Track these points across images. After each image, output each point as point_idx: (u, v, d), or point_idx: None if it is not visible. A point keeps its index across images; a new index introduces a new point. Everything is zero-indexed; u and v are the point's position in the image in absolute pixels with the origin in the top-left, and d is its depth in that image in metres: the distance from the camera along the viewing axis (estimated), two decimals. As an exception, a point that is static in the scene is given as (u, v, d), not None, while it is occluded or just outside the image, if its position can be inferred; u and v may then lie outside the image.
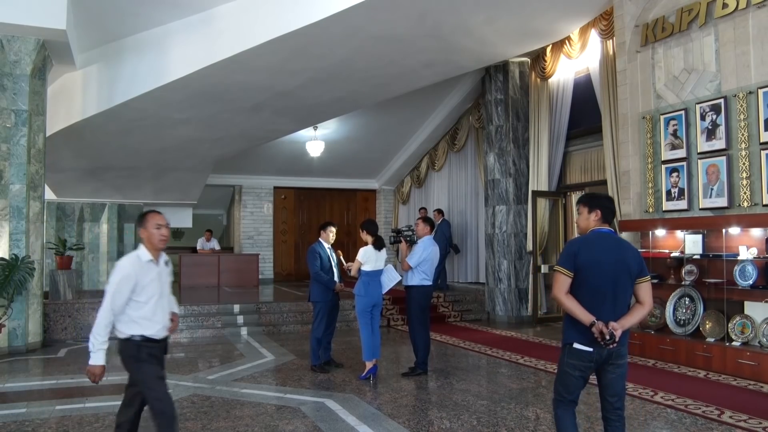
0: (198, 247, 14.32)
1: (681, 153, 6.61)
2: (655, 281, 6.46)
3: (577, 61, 9.07)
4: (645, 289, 3.06)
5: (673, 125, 6.69)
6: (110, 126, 9.69)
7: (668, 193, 6.77)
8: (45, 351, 7.56)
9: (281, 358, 7.05)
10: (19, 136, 7.47)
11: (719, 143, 6.19)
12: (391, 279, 6.11)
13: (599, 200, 3.16)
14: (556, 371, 3.20)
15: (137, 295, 3.15)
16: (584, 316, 2.92)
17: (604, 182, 8.45)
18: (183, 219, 16.46)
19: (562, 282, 3.01)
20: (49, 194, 12.29)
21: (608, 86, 8.19)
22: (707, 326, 6.27)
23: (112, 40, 8.69)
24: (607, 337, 2.85)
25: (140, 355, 3.15)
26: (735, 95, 6.04)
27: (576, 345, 2.99)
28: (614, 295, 2.97)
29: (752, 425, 4.21)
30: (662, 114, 6.82)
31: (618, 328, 2.88)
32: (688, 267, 6.51)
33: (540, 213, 9.89)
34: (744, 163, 5.94)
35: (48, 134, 8.38)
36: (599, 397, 3.12)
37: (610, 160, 8.13)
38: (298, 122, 11.14)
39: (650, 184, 6.96)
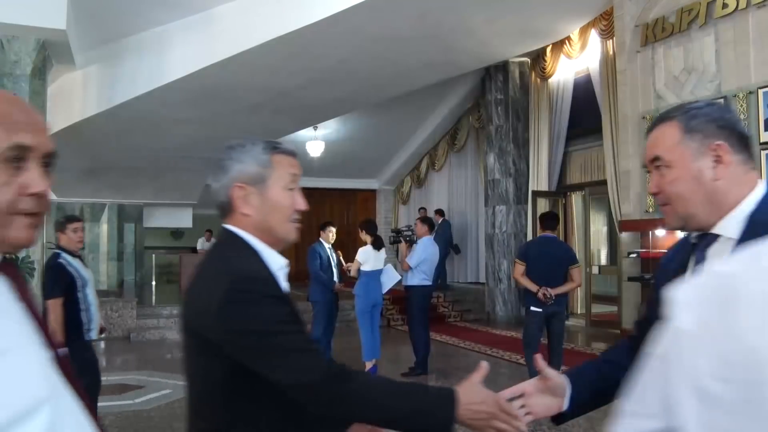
0: (198, 247, 14.33)
1: (681, 153, 6.61)
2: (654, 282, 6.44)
3: (577, 61, 9.06)
4: (574, 271, 5.09)
5: (673, 125, 6.69)
6: (110, 126, 9.69)
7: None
8: (45, 351, 7.55)
9: (281, 358, 7.04)
10: (19, 136, 7.47)
11: (719, 143, 6.19)
12: (390, 279, 6.11)
13: (544, 217, 5.50)
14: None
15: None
16: (533, 287, 4.91)
17: (604, 182, 8.45)
18: (183, 219, 16.45)
19: (519, 268, 5.10)
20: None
21: (608, 86, 8.18)
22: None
23: (112, 40, 8.68)
24: (548, 298, 4.84)
25: None
26: (735, 95, 6.03)
27: (532, 308, 5.03)
28: (551, 275, 4.90)
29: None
30: (662, 114, 6.82)
31: (553, 293, 4.85)
32: (688, 267, 6.50)
33: (540, 213, 9.88)
34: (744, 163, 5.94)
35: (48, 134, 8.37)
36: (547, 340, 5.15)
37: (610, 160, 8.13)
38: (298, 122, 11.14)
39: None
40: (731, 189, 1.16)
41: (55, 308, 3.63)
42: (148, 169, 12.55)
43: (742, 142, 1.20)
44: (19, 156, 0.83)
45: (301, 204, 1.39)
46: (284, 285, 1.34)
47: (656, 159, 1.21)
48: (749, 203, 1.16)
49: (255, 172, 1.33)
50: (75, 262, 4.01)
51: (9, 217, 0.81)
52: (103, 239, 14.20)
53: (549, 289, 4.84)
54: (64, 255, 3.97)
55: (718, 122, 1.18)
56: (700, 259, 1.21)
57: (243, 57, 7.74)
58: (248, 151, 1.35)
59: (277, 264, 1.36)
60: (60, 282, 3.77)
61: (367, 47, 8.02)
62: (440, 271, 11.14)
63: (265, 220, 1.34)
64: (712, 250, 1.19)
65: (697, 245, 1.23)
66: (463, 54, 8.82)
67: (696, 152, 1.17)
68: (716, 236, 1.19)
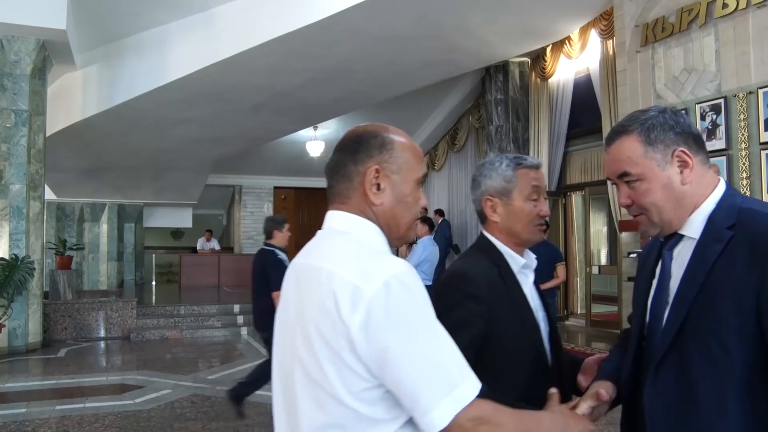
0: (198, 247, 14.32)
1: (681, 153, 6.61)
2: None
3: (577, 61, 9.06)
4: (560, 268, 5.76)
5: (673, 125, 6.69)
6: (110, 126, 9.69)
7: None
8: (45, 351, 7.56)
9: (281, 358, 7.05)
10: (19, 136, 7.47)
11: (719, 143, 6.19)
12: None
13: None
14: None
15: None
16: None
17: (604, 182, 8.45)
18: (183, 219, 16.46)
19: None
20: (49, 194, 12.28)
21: (608, 86, 8.18)
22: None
23: (112, 40, 8.69)
24: None
25: None
26: (735, 95, 6.03)
27: None
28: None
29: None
30: (662, 114, 6.82)
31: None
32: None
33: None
34: (744, 163, 5.94)
35: (48, 134, 8.38)
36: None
37: (610, 160, 8.13)
38: (298, 122, 11.14)
39: (650, 184, 6.96)
40: (696, 190, 1.23)
41: (278, 299, 3.85)
42: (148, 169, 12.55)
43: (699, 143, 1.26)
44: (421, 181, 1.21)
45: (544, 210, 1.57)
46: (526, 280, 1.58)
47: (624, 174, 1.26)
48: (709, 203, 1.23)
49: (500, 186, 1.56)
50: (285, 258, 4.80)
51: (412, 226, 1.21)
52: (103, 239, 14.19)
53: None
54: (279, 252, 4.74)
55: (675, 129, 1.23)
56: (668, 258, 1.27)
57: (243, 57, 7.74)
58: (495, 168, 1.57)
59: (518, 264, 1.56)
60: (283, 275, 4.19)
61: (367, 47, 8.02)
62: (440, 271, 11.12)
63: (510, 226, 1.55)
64: (677, 250, 1.26)
65: (663, 244, 1.29)
66: (463, 54, 8.82)
67: (661, 162, 1.23)
68: (681, 236, 1.25)
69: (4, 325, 7.17)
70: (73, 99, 9.32)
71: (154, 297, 11.78)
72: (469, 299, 1.43)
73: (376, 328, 0.96)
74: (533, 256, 1.63)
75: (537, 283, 1.65)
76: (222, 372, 6.26)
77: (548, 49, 9.49)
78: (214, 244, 14.39)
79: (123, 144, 10.76)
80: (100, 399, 5.17)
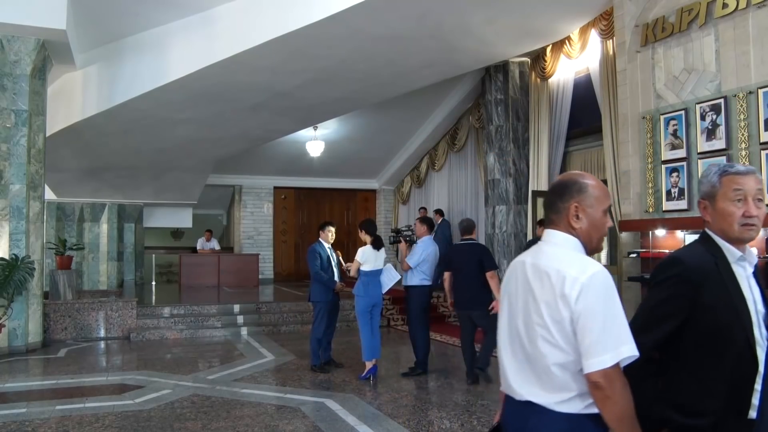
0: (198, 247, 14.32)
1: (681, 153, 6.61)
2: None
3: (577, 61, 9.06)
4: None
5: (673, 125, 6.69)
6: (110, 126, 9.69)
7: (668, 193, 6.76)
8: (45, 351, 7.56)
9: (281, 358, 7.05)
10: (19, 136, 7.47)
11: (719, 143, 6.19)
12: (390, 278, 6.11)
13: (542, 221, 5.63)
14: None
15: None
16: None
17: (604, 182, 8.41)
18: (183, 219, 16.45)
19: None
20: (49, 194, 12.29)
21: (608, 86, 8.18)
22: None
23: (112, 40, 8.69)
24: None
25: None
26: (735, 95, 6.03)
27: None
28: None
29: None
30: (662, 114, 6.82)
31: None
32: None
33: (540, 213, 9.89)
34: (744, 163, 5.94)
35: (48, 134, 8.38)
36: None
37: (610, 160, 8.13)
38: (298, 122, 11.14)
39: (650, 184, 6.96)
40: None
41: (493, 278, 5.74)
42: (148, 169, 12.55)
43: None
44: (607, 210, 1.75)
45: (750, 210, 1.79)
46: (743, 272, 1.80)
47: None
48: None
49: (708, 190, 1.86)
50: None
51: (602, 240, 1.74)
52: (103, 239, 14.18)
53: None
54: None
55: None
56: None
57: (243, 57, 7.74)
58: (707, 175, 1.88)
59: (734, 256, 1.80)
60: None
61: (367, 47, 8.02)
62: (440, 271, 11.13)
63: (718, 225, 1.83)
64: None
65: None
66: (463, 54, 8.82)
67: None
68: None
69: (4, 325, 7.17)
70: (73, 99, 9.32)
71: (154, 297, 11.78)
72: (678, 280, 1.75)
73: (584, 298, 1.56)
74: (755, 251, 1.90)
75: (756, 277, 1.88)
76: (222, 372, 6.26)
77: (548, 49, 9.49)
78: (214, 244, 14.39)
79: (123, 144, 10.76)
80: (100, 399, 5.17)
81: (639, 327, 1.72)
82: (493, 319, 5.81)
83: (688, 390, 1.75)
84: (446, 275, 6.16)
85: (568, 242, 1.71)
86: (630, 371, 1.60)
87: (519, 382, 1.69)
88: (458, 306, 5.98)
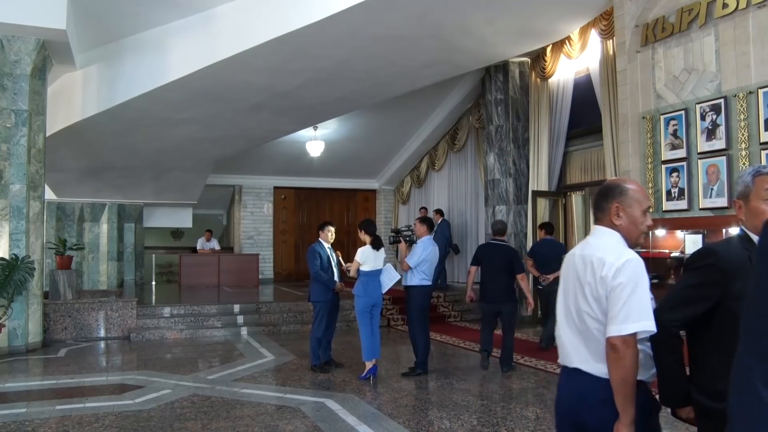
0: (198, 247, 14.31)
1: (681, 153, 6.61)
2: (655, 281, 6.45)
3: (577, 61, 9.06)
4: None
5: (673, 125, 6.69)
6: (110, 126, 9.69)
7: (668, 193, 6.76)
8: (45, 351, 7.56)
9: (281, 358, 7.05)
10: (19, 136, 7.47)
11: (719, 143, 6.19)
12: (390, 278, 6.11)
13: (544, 225, 8.01)
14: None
15: None
16: (536, 273, 7.66)
17: (604, 182, 8.44)
18: (183, 219, 16.45)
19: (529, 261, 7.71)
20: (49, 194, 12.29)
21: (608, 86, 8.19)
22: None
23: (112, 40, 8.69)
24: (545, 280, 7.48)
25: None
26: (735, 95, 6.03)
27: (538, 286, 7.66)
28: (550, 265, 6.74)
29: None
30: (662, 114, 6.82)
31: (550, 277, 7.32)
32: (688, 267, 6.51)
33: (540, 213, 9.89)
34: (744, 163, 5.94)
35: (48, 134, 8.38)
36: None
37: (610, 160, 8.13)
38: (298, 122, 11.14)
39: (650, 184, 6.96)
40: None
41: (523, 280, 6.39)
42: (148, 169, 12.55)
43: None
44: (646, 210, 2.04)
45: None
46: None
47: None
48: None
49: (742, 190, 1.99)
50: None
51: (642, 235, 2.05)
52: (103, 239, 14.18)
53: (548, 276, 7.38)
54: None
55: None
56: None
57: (243, 57, 7.74)
58: (742, 176, 2.01)
59: None
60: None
61: (367, 47, 8.02)
62: (440, 271, 11.13)
63: (752, 224, 1.96)
64: None
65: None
66: (463, 54, 8.82)
67: None
68: None
69: (4, 325, 7.17)
70: (73, 99, 9.31)
71: (154, 297, 11.78)
72: (711, 268, 1.90)
73: (616, 278, 1.87)
74: None
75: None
76: (222, 372, 6.26)
77: (548, 49, 9.50)
78: (214, 244, 14.39)
79: (123, 144, 10.76)
80: (100, 399, 5.17)
81: (669, 306, 1.95)
82: (514, 319, 6.39)
83: (715, 374, 1.87)
84: (472, 269, 6.55)
85: (609, 235, 2.02)
86: (658, 345, 1.92)
87: (572, 352, 2.02)
88: (485, 300, 6.34)
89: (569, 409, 2.01)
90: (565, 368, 2.08)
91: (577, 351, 2.00)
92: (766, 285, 1.34)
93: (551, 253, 7.45)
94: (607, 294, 1.89)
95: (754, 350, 1.28)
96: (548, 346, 7.27)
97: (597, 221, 2.10)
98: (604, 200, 2.06)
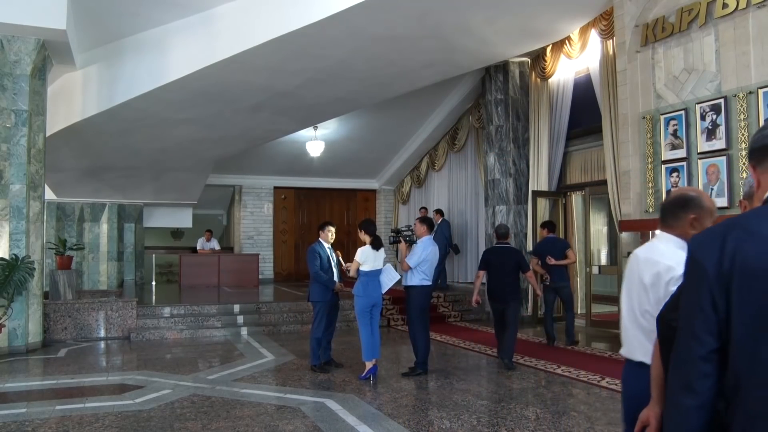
0: (198, 247, 14.31)
1: (681, 153, 6.61)
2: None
3: (577, 61, 9.06)
4: (569, 252, 7.82)
5: (673, 125, 6.69)
6: (110, 126, 9.69)
7: (668, 193, 6.76)
8: (45, 351, 7.56)
9: (281, 358, 7.05)
10: (19, 136, 7.47)
11: (719, 143, 6.19)
12: (390, 278, 6.11)
13: (546, 223, 8.29)
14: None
15: None
16: (541, 271, 7.78)
17: (604, 182, 8.45)
18: (183, 219, 16.45)
19: (533, 260, 7.89)
20: (49, 194, 12.29)
21: (608, 86, 8.19)
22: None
23: (112, 40, 8.69)
24: (546, 278, 7.77)
25: None
26: (735, 95, 6.03)
27: (544, 283, 7.80)
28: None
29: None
30: (662, 114, 6.82)
31: (553, 261, 7.68)
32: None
33: (540, 213, 9.89)
34: (744, 163, 5.94)
35: (48, 134, 8.38)
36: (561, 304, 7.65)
37: (610, 160, 8.13)
38: (298, 122, 11.14)
39: (650, 184, 6.96)
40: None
41: (531, 278, 6.94)
42: (148, 169, 12.56)
43: None
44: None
45: None
46: None
47: None
48: None
49: (747, 190, 2.00)
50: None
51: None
52: (103, 239, 14.18)
53: (549, 263, 7.70)
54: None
55: None
56: None
57: (243, 57, 7.74)
58: (747, 177, 2.06)
59: None
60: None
61: (367, 47, 8.03)
62: (440, 271, 11.13)
63: None
64: None
65: None
66: (463, 54, 8.82)
67: None
68: None
69: (4, 325, 7.17)
70: (73, 99, 9.31)
71: (154, 297, 11.78)
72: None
73: (675, 282, 1.99)
74: None
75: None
76: (222, 372, 6.26)
77: (548, 49, 9.50)
78: (214, 244, 14.39)
79: (123, 144, 10.76)
80: (100, 399, 5.17)
81: (673, 306, 2.04)
82: (518, 314, 6.75)
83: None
84: (479, 273, 6.91)
85: (675, 242, 2.18)
86: (661, 341, 1.98)
87: (637, 347, 2.21)
88: (494, 300, 6.72)
89: (635, 400, 2.14)
90: (629, 361, 2.26)
91: (642, 346, 2.16)
92: (685, 297, 1.52)
93: (555, 250, 7.75)
94: (666, 291, 2.06)
95: (672, 356, 1.49)
96: (573, 341, 7.73)
97: (667, 227, 2.23)
98: (682, 210, 2.18)
